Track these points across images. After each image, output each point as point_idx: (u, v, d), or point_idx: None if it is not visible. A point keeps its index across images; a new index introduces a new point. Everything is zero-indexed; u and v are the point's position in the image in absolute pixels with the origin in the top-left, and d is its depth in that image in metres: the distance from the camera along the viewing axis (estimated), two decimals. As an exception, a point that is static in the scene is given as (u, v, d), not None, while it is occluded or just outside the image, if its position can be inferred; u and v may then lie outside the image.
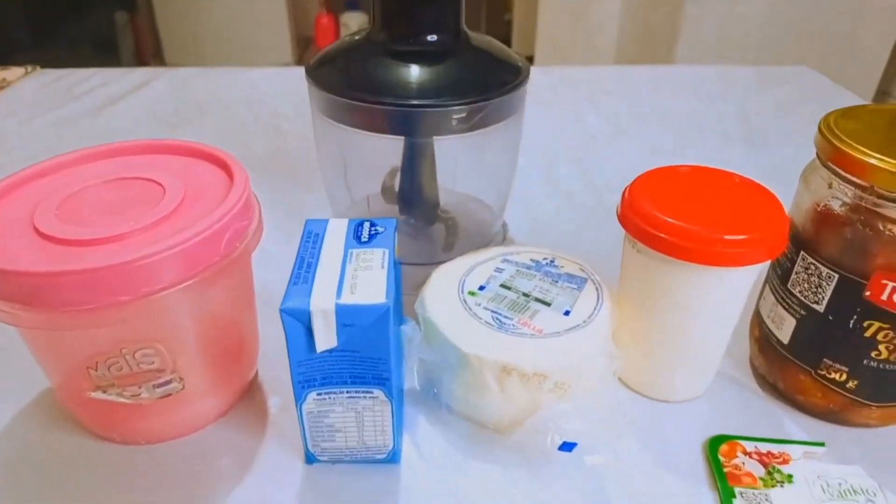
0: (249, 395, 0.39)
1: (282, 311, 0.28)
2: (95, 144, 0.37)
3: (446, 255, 0.42)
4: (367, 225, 0.34)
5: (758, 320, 0.40)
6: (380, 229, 0.34)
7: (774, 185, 0.37)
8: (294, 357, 0.30)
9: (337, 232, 0.33)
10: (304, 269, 0.31)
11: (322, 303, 0.29)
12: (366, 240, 0.33)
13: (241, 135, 0.73)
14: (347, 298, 0.29)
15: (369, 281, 0.30)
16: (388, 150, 0.45)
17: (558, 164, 0.67)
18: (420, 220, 0.49)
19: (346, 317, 0.29)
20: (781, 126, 0.76)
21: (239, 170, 0.34)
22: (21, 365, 0.35)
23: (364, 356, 0.30)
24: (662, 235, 0.32)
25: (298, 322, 0.29)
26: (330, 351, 0.30)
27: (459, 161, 0.49)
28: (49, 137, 0.71)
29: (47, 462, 0.35)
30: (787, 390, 0.38)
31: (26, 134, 0.72)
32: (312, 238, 0.33)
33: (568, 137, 0.74)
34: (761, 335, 0.39)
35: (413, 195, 0.47)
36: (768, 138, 0.73)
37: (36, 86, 0.85)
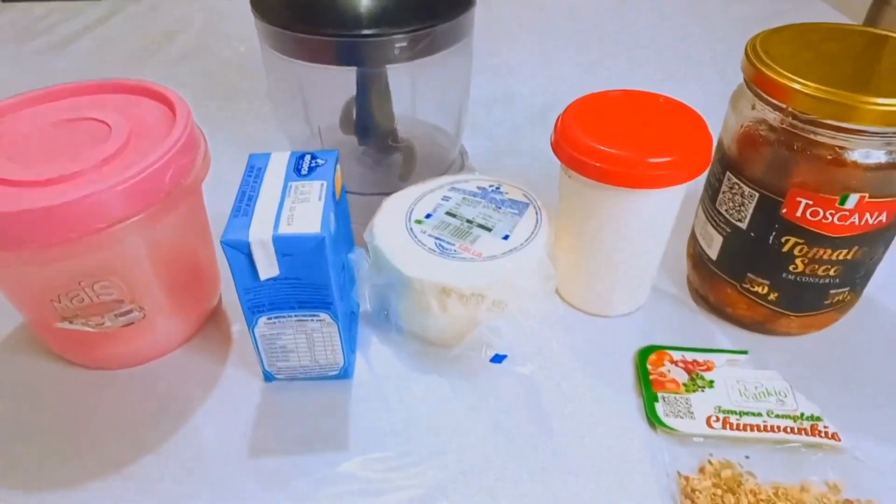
0: (213, 322, 0.41)
1: (223, 242, 0.30)
2: (56, 83, 0.37)
3: (404, 184, 0.43)
4: (307, 158, 0.35)
5: (693, 239, 0.42)
6: (320, 162, 0.35)
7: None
8: (240, 285, 0.32)
9: (278, 165, 0.35)
10: (245, 202, 0.32)
11: (261, 234, 0.30)
12: (305, 173, 0.34)
13: (206, 66, 0.72)
14: (285, 229, 0.31)
15: (306, 212, 0.32)
16: (337, 81, 0.45)
17: (521, 90, 0.68)
18: (377, 149, 0.49)
19: (284, 247, 0.31)
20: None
21: (181, 106, 0.35)
22: (-2, 299, 0.37)
23: (307, 283, 0.32)
24: (590, 162, 0.34)
25: (240, 252, 0.31)
26: (274, 279, 0.32)
27: (412, 88, 0.50)
28: (8, 76, 0.71)
29: (26, 387, 0.37)
30: (716, 304, 0.41)
31: (-13, 73, 0.71)
32: (254, 172, 0.34)
33: (535, 62, 0.73)
34: (695, 253, 0.41)
35: (368, 125, 0.47)
36: (731, 59, 0.72)
37: (-4, 21, 0.83)
